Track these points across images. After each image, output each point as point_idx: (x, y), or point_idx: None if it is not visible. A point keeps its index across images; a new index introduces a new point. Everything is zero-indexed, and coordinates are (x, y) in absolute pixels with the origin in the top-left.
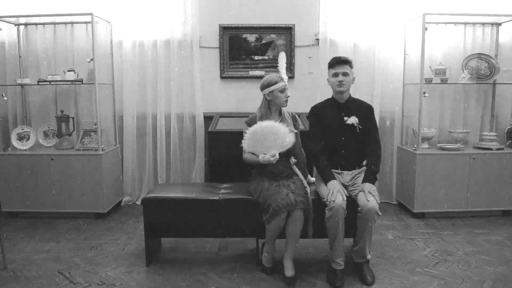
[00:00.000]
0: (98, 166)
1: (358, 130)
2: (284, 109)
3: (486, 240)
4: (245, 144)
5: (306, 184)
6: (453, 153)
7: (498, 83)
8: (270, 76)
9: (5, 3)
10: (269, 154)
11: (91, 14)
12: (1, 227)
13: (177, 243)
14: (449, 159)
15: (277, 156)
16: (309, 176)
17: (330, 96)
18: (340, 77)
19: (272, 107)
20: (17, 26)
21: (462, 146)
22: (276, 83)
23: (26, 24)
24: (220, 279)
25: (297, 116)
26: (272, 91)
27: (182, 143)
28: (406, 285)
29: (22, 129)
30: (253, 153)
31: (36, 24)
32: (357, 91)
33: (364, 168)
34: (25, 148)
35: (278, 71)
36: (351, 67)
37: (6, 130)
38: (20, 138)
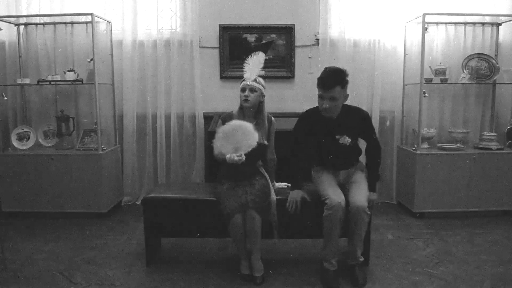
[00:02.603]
0: (98, 166)
1: (351, 145)
2: (265, 115)
3: (486, 240)
4: (215, 145)
5: (271, 187)
6: (453, 153)
7: (498, 83)
8: None
9: (5, 3)
10: (236, 154)
11: (91, 14)
12: (1, 227)
13: (177, 243)
14: (449, 159)
15: (243, 157)
16: (275, 182)
17: None
18: (326, 103)
19: (243, 106)
20: (17, 26)
21: (462, 146)
22: (241, 82)
23: (26, 24)
24: (220, 279)
25: (272, 119)
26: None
27: (182, 143)
28: (406, 285)
29: (22, 129)
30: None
31: (36, 24)
32: (357, 91)
33: (360, 163)
34: (25, 148)
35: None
36: (343, 87)
37: (6, 130)
38: (20, 138)
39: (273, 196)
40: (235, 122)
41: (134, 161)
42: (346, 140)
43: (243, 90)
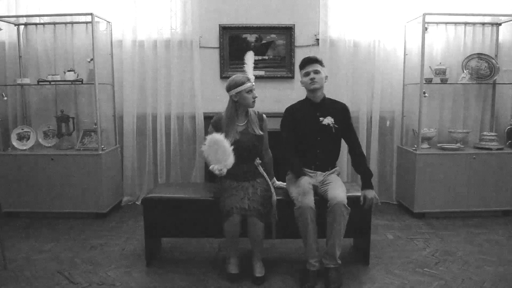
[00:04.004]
0: (98, 166)
1: (333, 130)
2: (250, 110)
3: (486, 240)
4: (203, 148)
5: (271, 186)
6: (453, 153)
7: (498, 83)
8: (237, 76)
9: (5, 3)
10: (216, 167)
11: (91, 14)
12: (1, 227)
13: (177, 243)
14: (449, 159)
15: (224, 172)
16: (274, 179)
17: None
18: (312, 75)
19: (238, 108)
20: (17, 26)
21: (462, 146)
22: (243, 83)
23: (26, 24)
24: (220, 279)
25: (264, 116)
26: (239, 92)
27: (182, 143)
28: (406, 285)
29: (22, 129)
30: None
31: (36, 24)
32: (357, 91)
33: (336, 168)
34: (25, 148)
35: (244, 72)
36: (322, 66)
37: (6, 130)
38: (20, 138)
39: (274, 197)
40: (215, 138)
41: (134, 161)
42: (330, 120)
43: (250, 91)
